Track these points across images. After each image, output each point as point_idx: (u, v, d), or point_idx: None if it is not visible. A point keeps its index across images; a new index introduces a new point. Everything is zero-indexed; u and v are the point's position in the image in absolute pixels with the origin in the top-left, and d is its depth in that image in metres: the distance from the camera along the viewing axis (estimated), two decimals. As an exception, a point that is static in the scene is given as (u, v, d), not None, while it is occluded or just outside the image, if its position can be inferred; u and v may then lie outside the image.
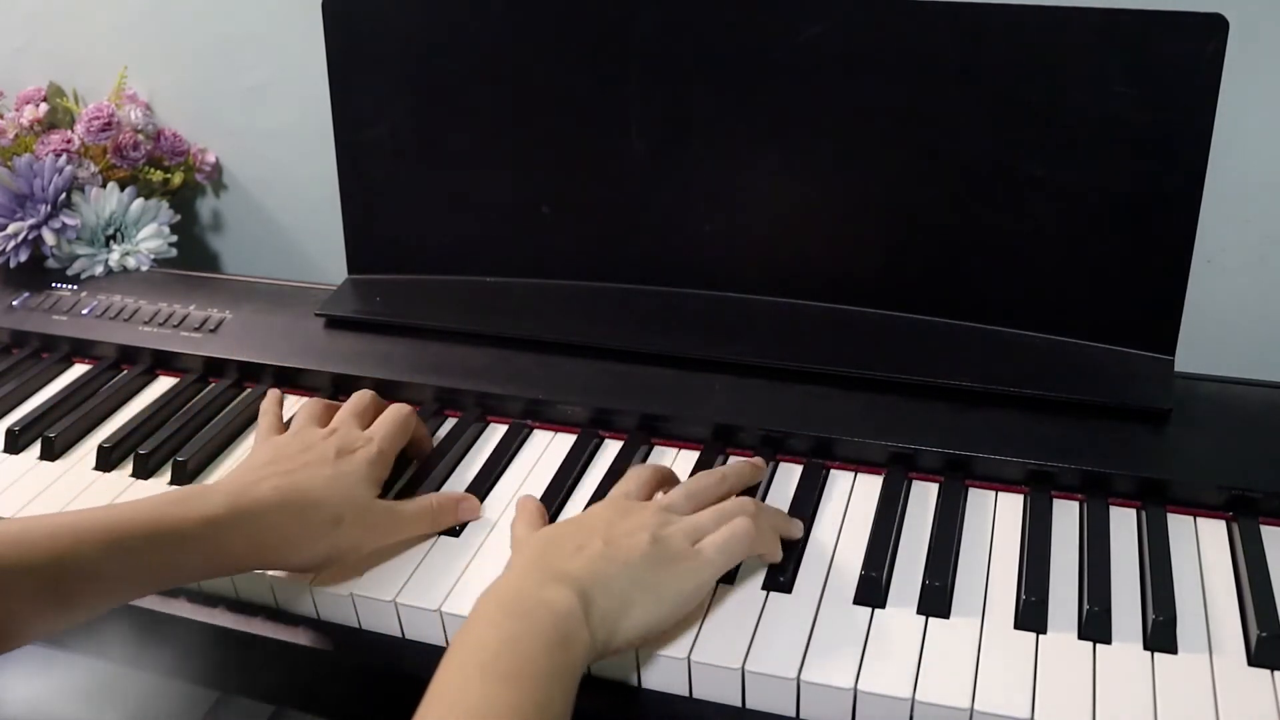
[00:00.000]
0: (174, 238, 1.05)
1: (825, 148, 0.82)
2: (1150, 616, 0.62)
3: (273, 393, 0.82)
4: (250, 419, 0.85)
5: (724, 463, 0.77)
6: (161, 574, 0.63)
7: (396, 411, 0.77)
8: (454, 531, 0.72)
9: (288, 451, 0.71)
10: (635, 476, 0.71)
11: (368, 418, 0.77)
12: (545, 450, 0.80)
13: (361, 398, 0.78)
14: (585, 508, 0.72)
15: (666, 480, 0.72)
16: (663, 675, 0.62)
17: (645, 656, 0.62)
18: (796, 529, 0.69)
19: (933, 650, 0.62)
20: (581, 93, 0.86)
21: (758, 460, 0.75)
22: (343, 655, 0.68)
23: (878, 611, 0.64)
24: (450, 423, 0.83)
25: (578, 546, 0.62)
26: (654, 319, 0.86)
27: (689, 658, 0.61)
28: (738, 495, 0.70)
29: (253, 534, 0.64)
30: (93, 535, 0.60)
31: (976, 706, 0.58)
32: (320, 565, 0.68)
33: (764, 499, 0.74)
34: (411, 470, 0.78)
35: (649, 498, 0.70)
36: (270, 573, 0.69)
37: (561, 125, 0.87)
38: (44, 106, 1.08)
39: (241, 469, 0.70)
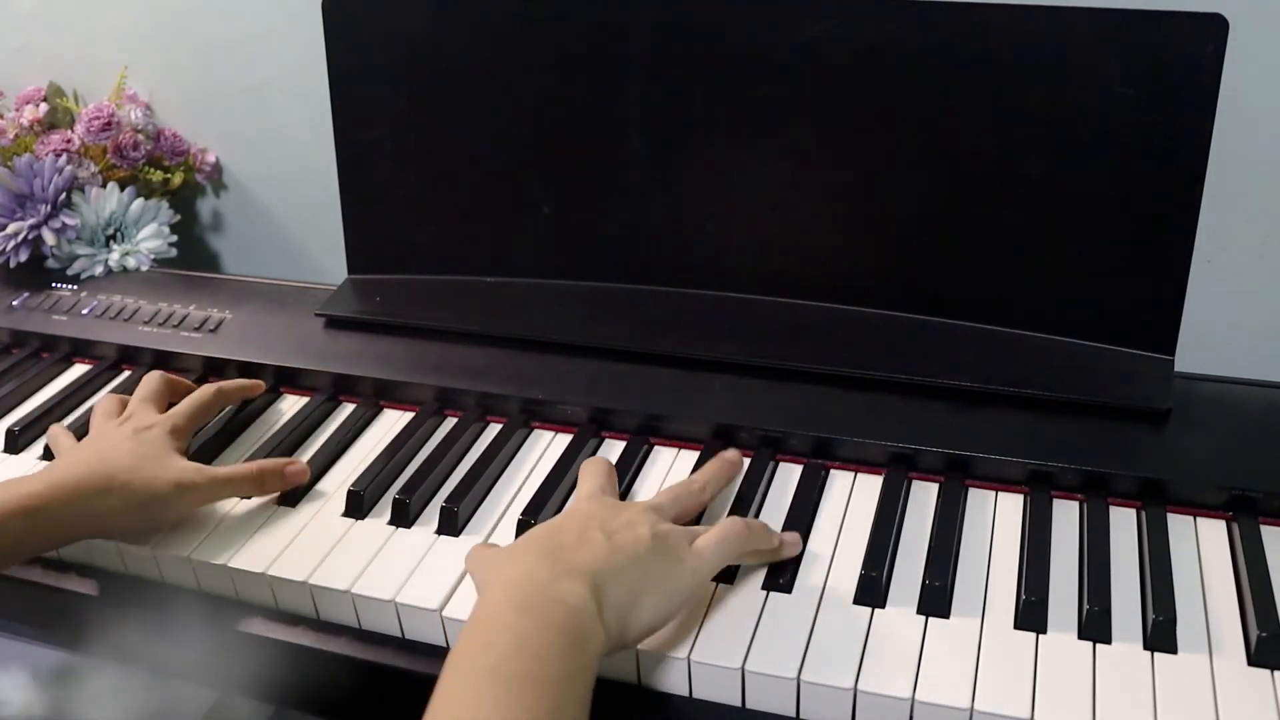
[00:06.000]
0: (174, 238, 1.05)
1: (825, 148, 0.82)
2: (1150, 616, 0.62)
3: (57, 425, 0.83)
4: (251, 418, 0.86)
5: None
6: None
7: (201, 392, 0.81)
8: (454, 531, 0.72)
9: (89, 440, 0.76)
10: (596, 472, 0.70)
11: (162, 400, 0.81)
12: (545, 450, 0.80)
13: (150, 381, 0.82)
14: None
15: (611, 470, 0.72)
16: (662, 675, 0.62)
17: (645, 656, 0.62)
18: (792, 544, 0.68)
19: (933, 650, 0.62)
20: (581, 92, 0.86)
21: (730, 454, 0.74)
22: (342, 655, 0.68)
23: (878, 611, 0.64)
24: (450, 423, 0.83)
25: (580, 538, 0.61)
26: (654, 319, 0.86)
27: (689, 658, 0.61)
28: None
29: (72, 506, 0.68)
30: None
31: (976, 706, 0.58)
32: (147, 530, 0.72)
33: (764, 499, 0.74)
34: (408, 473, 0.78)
35: (618, 494, 0.70)
36: (270, 573, 0.69)
37: (561, 125, 0.87)
38: (44, 106, 1.08)
39: (56, 461, 0.75)
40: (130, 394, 0.81)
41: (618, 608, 0.58)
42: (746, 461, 0.75)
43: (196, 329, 0.93)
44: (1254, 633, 0.61)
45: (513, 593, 0.57)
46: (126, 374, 0.92)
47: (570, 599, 0.56)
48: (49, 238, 1.00)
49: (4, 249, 1.00)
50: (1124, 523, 0.70)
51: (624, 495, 0.75)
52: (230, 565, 0.70)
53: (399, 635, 0.68)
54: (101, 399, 0.81)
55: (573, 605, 0.56)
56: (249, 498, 0.76)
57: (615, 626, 0.57)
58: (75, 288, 1.00)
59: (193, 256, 1.18)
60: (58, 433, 0.81)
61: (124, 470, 0.70)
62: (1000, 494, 0.73)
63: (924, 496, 0.73)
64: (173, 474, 0.72)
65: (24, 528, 0.67)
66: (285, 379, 0.89)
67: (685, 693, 0.62)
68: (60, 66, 1.14)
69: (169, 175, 1.10)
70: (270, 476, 0.75)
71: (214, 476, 0.73)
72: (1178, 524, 0.70)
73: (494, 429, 0.82)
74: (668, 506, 0.67)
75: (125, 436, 0.74)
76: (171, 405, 0.81)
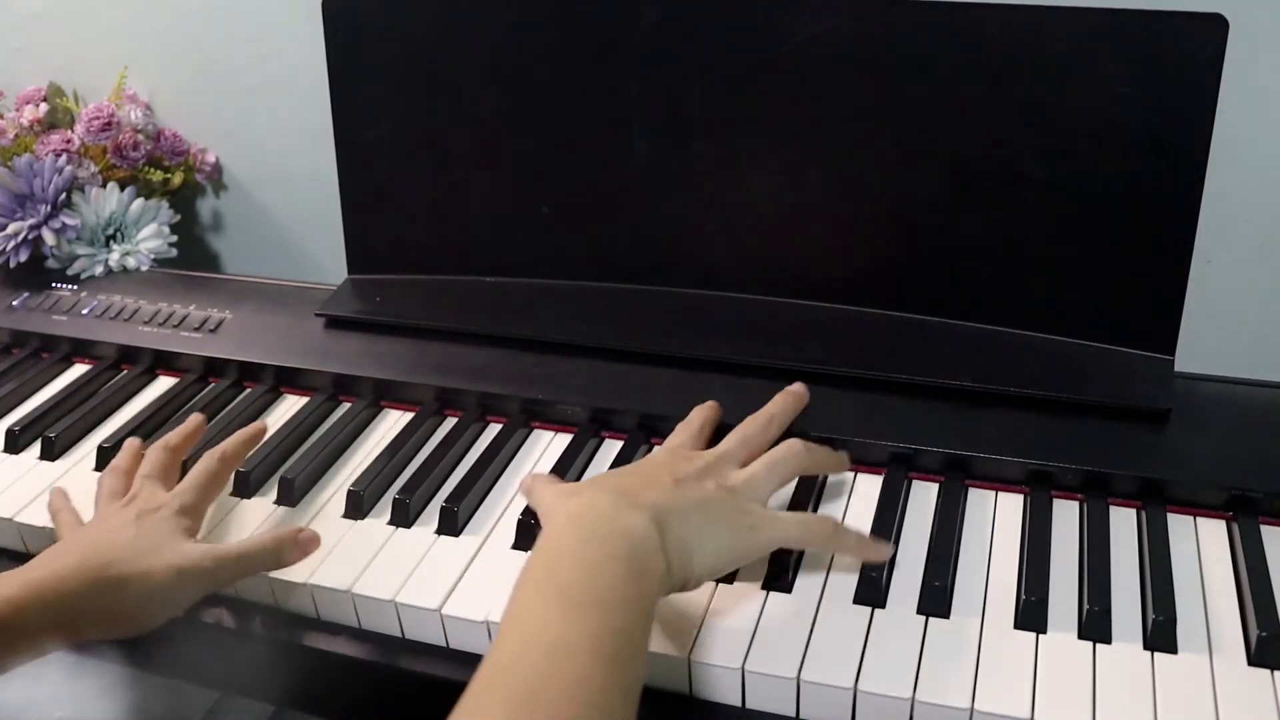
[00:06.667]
0: (174, 238, 1.05)
1: (825, 147, 0.82)
2: (1150, 616, 0.62)
3: (56, 490, 0.75)
4: (251, 419, 0.85)
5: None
6: None
7: (205, 461, 0.73)
8: (454, 531, 0.72)
9: (86, 527, 0.69)
10: (686, 429, 0.73)
11: (169, 472, 0.74)
12: (545, 450, 0.80)
13: (154, 456, 0.74)
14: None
15: (714, 423, 0.74)
16: (662, 674, 0.62)
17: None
18: (881, 550, 0.66)
19: (933, 650, 0.62)
20: (582, 92, 0.86)
21: (795, 387, 0.75)
22: (343, 655, 0.68)
23: (878, 611, 0.64)
24: (450, 422, 0.83)
25: (646, 480, 0.63)
26: (654, 319, 0.86)
27: (689, 657, 0.61)
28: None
29: (57, 608, 0.61)
30: None
31: (976, 706, 0.58)
32: (149, 626, 0.64)
33: (764, 499, 0.74)
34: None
35: (703, 447, 0.71)
36: (270, 573, 0.69)
37: (561, 125, 0.87)
38: (44, 106, 1.08)
39: (40, 555, 0.66)
40: (122, 459, 0.76)
41: (680, 543, 0.59)
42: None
43: (196, 329, 0.93)
44: (1254, 633, 0.61)
45: (577, 524, 0.58)
46: (124, 373, 0.92)
47: (634, 530, 0.57)
48: (49, 238, 1.00)
49: (4, 249, 1.00)
50: (1124, 523, 0.70)
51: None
52: (230, 565, 0.70)
53: (399, 635, 0.68)
54: (105, 475, 0.74)
55: (636, 536, 0.57)
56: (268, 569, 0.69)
57: (677, 562, 0.59)
58: (75, 288, 1.00)
59: (193, 256, 1.18)
60: (59, 507, 0.73)
61: (121, 560, 0.63)
62: (1000, 494, 0.73)
63: (924, 496, 0.73)
64: (176, 560, 0.64)
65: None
66: (285, 379, 0.89)
67: (685, 691, 0.62)
68: (60, 66, 1.14)
69: (169, 175, 1.10)
70: (287, 546, 0.68)
71: (223, 556, 0.66)
72: (1178, 524, 0.70)
73: (494, 429, 0.82)
74: (737, 450, 0.68)
75: (127, 521, 0.67)
76: (188, 457, 0.77)
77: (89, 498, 0.78)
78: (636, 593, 0.55)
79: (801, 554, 0.69)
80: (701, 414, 0.75)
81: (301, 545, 0.69)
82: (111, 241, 1.04)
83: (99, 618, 0.63)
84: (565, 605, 0.53)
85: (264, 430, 0.80)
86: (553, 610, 0.53)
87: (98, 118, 1.06)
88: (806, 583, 0.67)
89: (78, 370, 0.94)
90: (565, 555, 0.56)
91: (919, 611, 0.64)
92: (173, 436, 0.77)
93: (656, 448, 0.71)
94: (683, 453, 0.68)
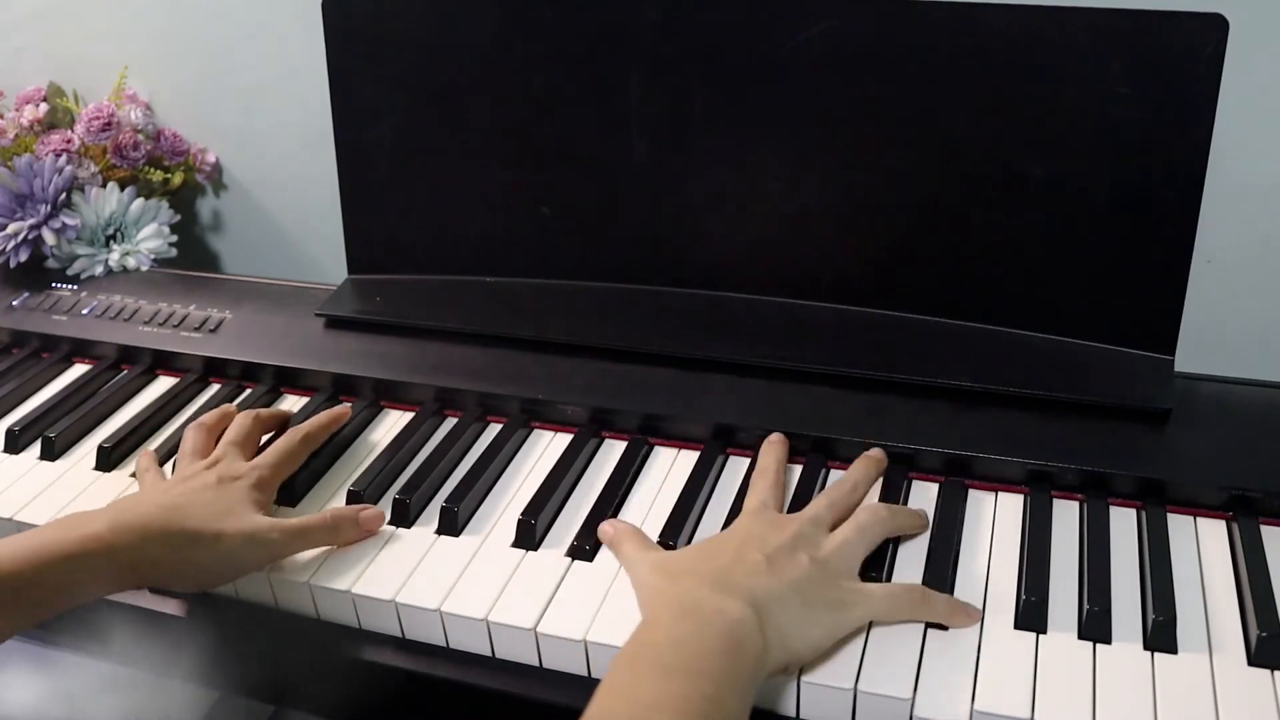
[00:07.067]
0: (174, 238, 1.05)
1: (825, 147, 0.82)
2: (1150, 616, 0.62)
3: (144, 451, 0.80)
4: (250, 419, 0.86)
5: (724, 463, 0.77)
6: (51, 597, 0.64)
7: (288, 439, 0.77)
8: (454, 531, 0.72)
9: (170, 483, 0.73)
10: (764, 480, 0.71)
11: (252, 442, 0.78)
12: (545, 450, 0.80)
13: (242, 423, 0.78)
14: (596, 508, 0.72)
15: (785, 460, 0.74)
16: (663, 675, 0.62)
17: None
18: (971, 614, 0.64)
19: (933, 650, 0.61)
20: (581, 92, 0.86)
21: (874, 453, 0.74)
22: (343, 655, 0.68)
23: (878, 611, 0.64)
24: (450, 423, 0.83)
25: (737, 558, 0.62)
26: (654, 319, 0.86)
27: (689, 658, 0.61)
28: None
29: (136, 551, 0.65)
30: None
31: (977, 706, 0.58)
32: (212, 584, 0.69)
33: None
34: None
35: (783, 505, 0.71)
36: (271, 573, 0.69)
37: (561, 124, 0.87)
38: (44, 106, 1.09)
39: (126, 498, 0.71)
40: (210, 416, 0.79)
41: (779, 628, 0.59)
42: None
43: (196, 329, 0.93)
44: (1254, 633, 0.61)
45: (676, 605, 0.59)
46: (124, 373, 0.92)
47: (731, 611, 0.58)
48: (49, 238, 1.00)
49: (4, 249, 1.00)
50: (1124, 523, 0.70)
51: (625, 495, 0.75)
52: (230, 565, 0.70)
53: (399, 635, 0.68)
54: (190, 430, 0.78)
55: (734, 617, 0.57)
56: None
57: (777, 645, 0.58)
58: (75, 288, 1.00)
59: (193, 256, 1.18)
60: (147, 465, 0.78)
61: (196, 520, 0.67)
62: (1000, 494, 0.73)
63: (924, 496, 0.73)
64: (246, 527, 0.68)
65: (83, 571, 0.64)
66: (285, 379, 0.89)
67: (685, 693, 0.62)
68: (60, 66, 1.14)
69: (169, 175, 1.10)
70: (345, 524, 0.71)
71: (287, 529, 0.69)
72: (1178, 524, 0.70)
73: (494, 429, 0.82)
74: (825, 515, 0.67)
75: (208, 484, 0.71)
76: (266, 440, 0.80)
77: (89, 499, 0.78)
78: (730, 665, 0.55)
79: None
80: (774, 455, 0.74)
81: (361, 524, 0.72)
82: (111, 241, 1.04)
83: (168, 568, 0.67)
84: (655, 670, 0.54)
85: (347, 414, 0.82)
86: (644, 675, 0.54)
87: (98, 118, 1.06)
88: (806, 583, 0.67)
89: (78, 370, 0.94)
90: (659, 629, 0.57)
91: (919, 611, 0.64)
92: (264, 411, 0.81)
93: (742, 516, 0.68)
94: (770, 517, 0.67)
